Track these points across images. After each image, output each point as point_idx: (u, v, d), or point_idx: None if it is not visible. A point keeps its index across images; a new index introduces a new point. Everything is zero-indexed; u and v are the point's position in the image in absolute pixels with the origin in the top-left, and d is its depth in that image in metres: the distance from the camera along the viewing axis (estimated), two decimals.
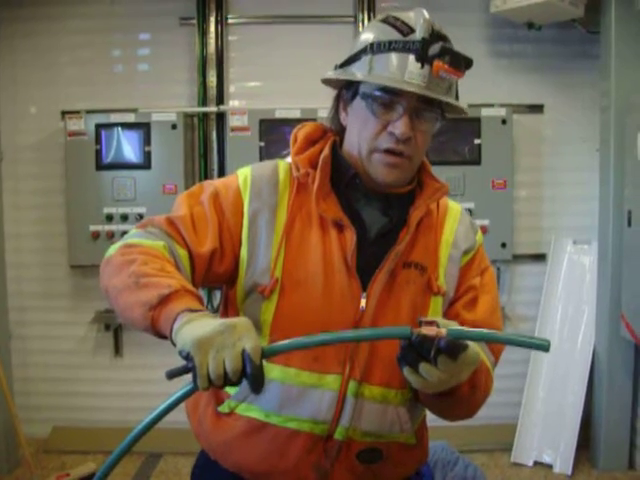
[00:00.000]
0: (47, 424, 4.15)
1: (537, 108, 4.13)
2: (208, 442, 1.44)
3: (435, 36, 1.30)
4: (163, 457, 3.91)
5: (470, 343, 1.15)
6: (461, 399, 1.30)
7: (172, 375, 1.08)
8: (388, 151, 1.34)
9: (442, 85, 1.31)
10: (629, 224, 3.57)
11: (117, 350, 4.13)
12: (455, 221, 1.49)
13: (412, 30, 1.31)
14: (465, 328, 1.15)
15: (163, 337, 1.17)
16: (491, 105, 3.93)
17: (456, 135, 3.84)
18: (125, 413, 4.01)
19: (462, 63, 1.31)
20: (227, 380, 1.04)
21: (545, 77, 4.10)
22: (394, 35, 1.32)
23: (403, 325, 1.14)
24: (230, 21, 4.11)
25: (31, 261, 4.17)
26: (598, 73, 3.90)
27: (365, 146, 1.36)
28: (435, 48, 1.28)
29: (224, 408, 1.40)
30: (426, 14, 1.32)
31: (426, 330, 1.10)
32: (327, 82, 1.46)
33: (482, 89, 3.87)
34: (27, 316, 4.16)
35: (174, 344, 1.10)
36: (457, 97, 1.40)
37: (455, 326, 1.15)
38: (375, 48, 1.33)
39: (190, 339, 1.04)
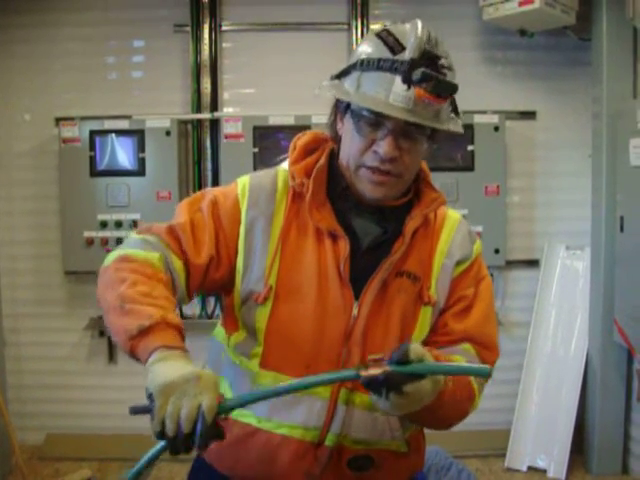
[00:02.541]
0: (41, 431, 4.13)
1: (530, 114, 4.15)
2: None
3: (425, 56, 1.27)
4: (156, 464, 3.90)
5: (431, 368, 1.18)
6: (426, 413, 1.26)
7: (135, 412, 1.11)
8: (374, 169, 1.34)
9: (429, 108, 1.28)
10: (622, 229, 3.59)
11: (111, 357, 4.13)
12: (452, 230, 1.49)
13: (403, 48, 1.28)
14: (413, 365, 1.14)
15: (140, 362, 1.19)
16: (484, 112, 3.95)
17: (449, 142, 3.81)
18: (119, 420, 3.94)
19: (445, 90, 1.27)
20: (180, 429, 1.03)
21: (537, 84, 4.12)
22: (384, 53, 1.30)
23: (351, 369, 1.19)
24: (224, 28, 4.12)
25: (25, 268, 4.16)
26: (590, 80, 3.93)
27: (352, 161, 1.36)
28: (417, 73, 1.24)
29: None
30: (419, 30, 1.28)
31: (373, 369, 1.13)
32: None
33: (475, 96, 3.88)
34: (21, 323, 4.15)
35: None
36: (457, 110, 1.39)
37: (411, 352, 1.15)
38: (365, 65, 1.31)
39: (156, 382, 1.06)
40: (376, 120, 1.31)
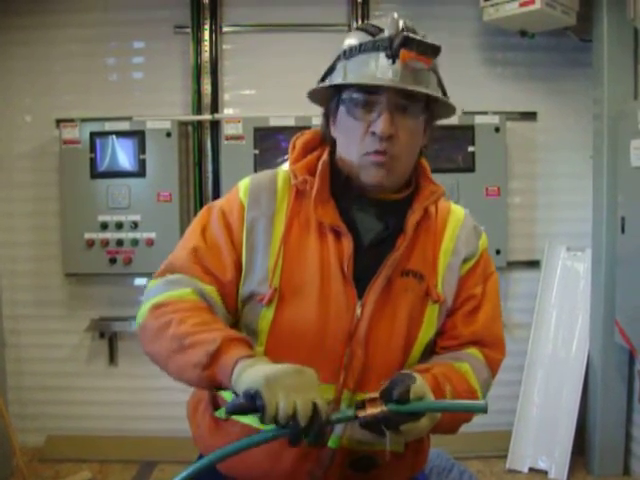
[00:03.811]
0: (41, 433, 4.13)
1: (530, 115, 4.15)
2: (205, 446, 1.44)
3: (404, 31, 1.31)
4: (158, 466, 3.89)
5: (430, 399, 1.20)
6: None
7: (234, 411, 1.09)
8: (374, 152, 1.35)
9: (418, 79, 1.32)
10: (622, 231, 3.58)
11: (112, 358, 4.12)
12: (456, 227, 1.49)
13: (381, 30, 1.34)
14: (411, 404, 1.17)
15: (223, 389, 1.20)
16: (484, 113, 3.94)
17: (450, 143, 3.86)
18: (120, 422, 4.01)
19: (428, 48, 1.31)
20: (295, 422, 1.06)
21: (538, 85, 4.11)
22: (364, 37, 1.35)
23: (347, 409, 1.21)
24: (224, 29, 4.11)
25: (25, 269, 4.16)
26: (591, 81, 3.92)
27: (355, 152, 1.37)
28: (398, 39, 1.29)
29: (221, 414, 1.41)
30: (396, 15, 1.34)
31: (370, 410, 1.16)
32: (314, 100, 1.48)
33: (475, 97, 3.88)
34: (21, 324, 4.15)
35: (235, 393, 1.13)
36: (445, 94, 1.41)
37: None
38: (348, 53, 1.36)
39: (260, 377, 1.07)
40: (368, 99, 1.33)
